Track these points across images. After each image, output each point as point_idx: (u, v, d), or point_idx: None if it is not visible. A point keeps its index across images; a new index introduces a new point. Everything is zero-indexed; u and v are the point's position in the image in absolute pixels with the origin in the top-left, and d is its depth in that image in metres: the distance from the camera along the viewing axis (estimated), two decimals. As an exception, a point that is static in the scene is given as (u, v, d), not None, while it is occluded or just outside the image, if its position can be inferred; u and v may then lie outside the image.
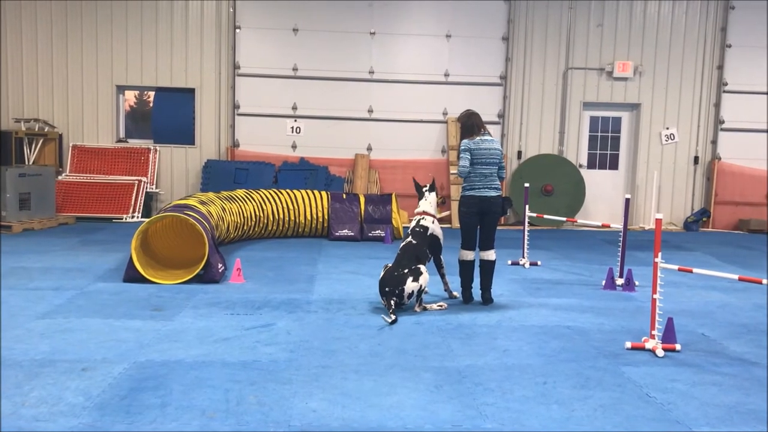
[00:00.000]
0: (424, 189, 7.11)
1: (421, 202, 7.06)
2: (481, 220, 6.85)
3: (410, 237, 6.78)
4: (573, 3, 14.29)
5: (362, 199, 11.58)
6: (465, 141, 6.84)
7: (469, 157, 6.75)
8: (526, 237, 9.28)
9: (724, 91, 14.56)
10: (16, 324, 5.70)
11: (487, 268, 6.95)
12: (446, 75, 14.28)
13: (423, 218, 6.93)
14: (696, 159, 14.70)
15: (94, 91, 13.86)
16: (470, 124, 6.90)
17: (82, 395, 4.18)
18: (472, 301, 6.94)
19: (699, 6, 14.45)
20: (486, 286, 6.96)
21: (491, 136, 6.96)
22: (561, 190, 14.12)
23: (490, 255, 6.93)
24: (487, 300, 6.94)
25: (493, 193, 6.79)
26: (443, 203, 7.22)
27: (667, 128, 14.61)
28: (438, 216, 7.03)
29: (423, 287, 6.46)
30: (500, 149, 6.90)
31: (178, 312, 6.24)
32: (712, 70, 14.57)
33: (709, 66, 14.55)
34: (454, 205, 13.90)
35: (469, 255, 6.94)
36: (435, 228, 6.89)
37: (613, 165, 14.91)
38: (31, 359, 4.80)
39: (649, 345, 5.42)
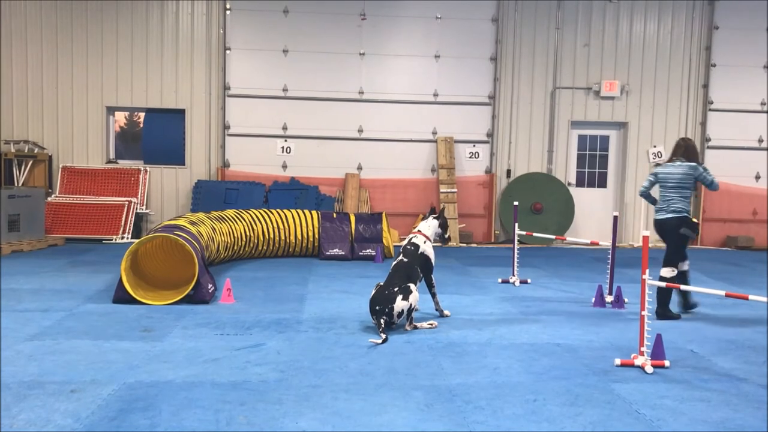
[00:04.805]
0: (431, 215, 7.29)
1: (422, 222, 7.15)
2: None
3: (401, 255, 6.82)
4: (560, 23, 14.49)
5: (353, 218, 11.60)
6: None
7: (651, 179, 7.60)
8: (515, 255, 9.33)
9: (710, 110, 14.76)
10: (5, 346, 5.66)
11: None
12: (435, 95, 14.39)
13: (415, 236, 6.97)
14: (683, 176, 14.81)
15: (84, 113, 13.88)
16: (673, 149, 7.53)
17: (71, 417, 4.16)
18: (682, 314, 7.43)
19: (684, 26, 14.68)
20: (659, 301, 7.25)
21: (682, 161, 7.33)
22: (550, 208, 14.20)
23: (662, 272, 7.36)
24: (660, 315, 7.21)
25: (666, 216, 7.33)
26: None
27: (655, 146, 14.76)
28: (432, 239, 7.09)
29: (413, 306, 6.47)
30: (684, 173, 7.29)
31: (167, 333, 6.22)
32: (698, 89, 14.77)
33: (694, 85, 14.76)
34: (453, 224, 13.94)
35: (666, 272, 7.35)
36: (426, 248, 6.92)
37: (602, 183, 15.04)
38: (20, 381, 4.77)
39: (638, 362, 5.45)
